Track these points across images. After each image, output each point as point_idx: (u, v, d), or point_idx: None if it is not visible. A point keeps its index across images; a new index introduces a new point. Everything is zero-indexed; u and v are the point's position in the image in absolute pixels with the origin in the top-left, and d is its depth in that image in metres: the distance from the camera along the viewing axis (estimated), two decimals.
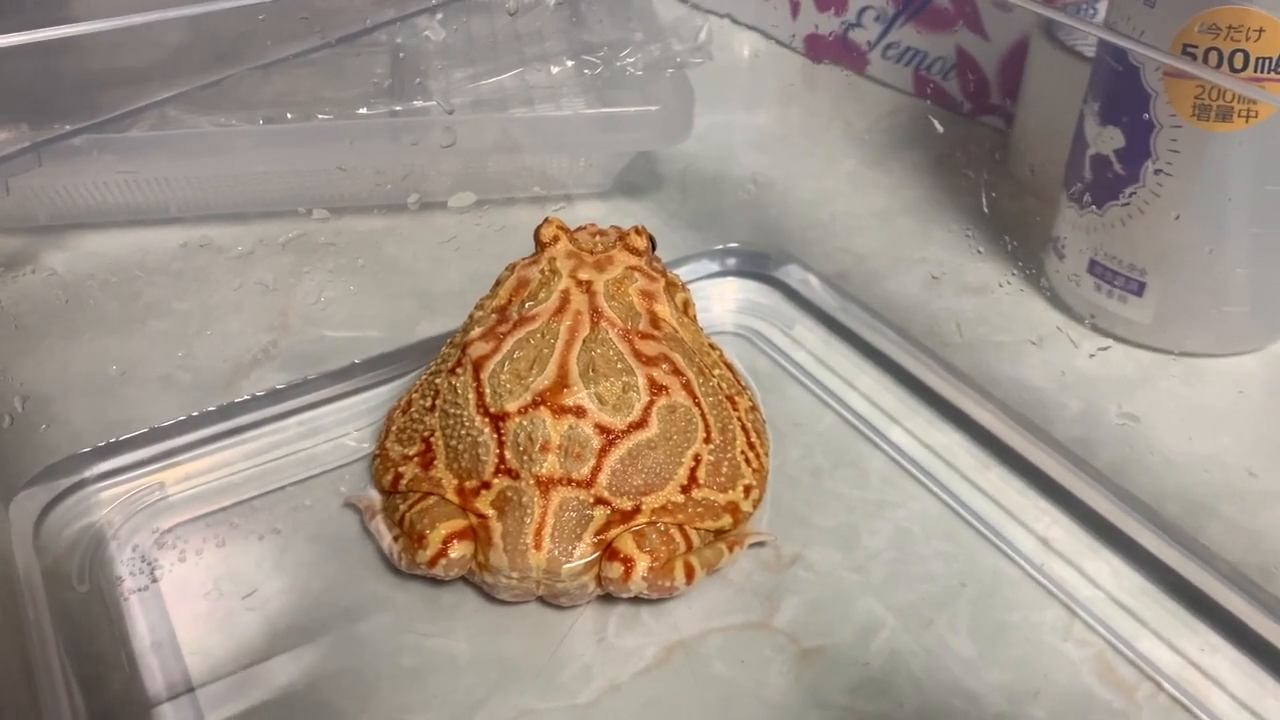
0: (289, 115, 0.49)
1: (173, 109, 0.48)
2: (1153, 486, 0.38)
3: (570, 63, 0.52)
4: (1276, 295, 0.43)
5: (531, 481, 0.34)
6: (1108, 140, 0.43)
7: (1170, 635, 0.34)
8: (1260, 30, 0.37)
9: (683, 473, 0.35)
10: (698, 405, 0.36)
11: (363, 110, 0.49)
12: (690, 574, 0.34)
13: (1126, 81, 0.41)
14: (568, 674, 0.33)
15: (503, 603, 0.34)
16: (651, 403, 0.35)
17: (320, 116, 0.49)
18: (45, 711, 0.31)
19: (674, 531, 0.34)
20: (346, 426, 0.41)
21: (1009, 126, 0.57)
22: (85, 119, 0.47)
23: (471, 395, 0.35)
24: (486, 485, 0.34)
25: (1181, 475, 0.39)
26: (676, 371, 0.36)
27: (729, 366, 0.40)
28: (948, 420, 0.42)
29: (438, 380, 0.37)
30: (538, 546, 0.33)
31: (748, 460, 0.37)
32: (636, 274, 0.38)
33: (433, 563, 0.34)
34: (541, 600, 0.35)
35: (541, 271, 0.38)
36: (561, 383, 0.34)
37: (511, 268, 0.39)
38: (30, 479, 0.38)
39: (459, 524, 0.34)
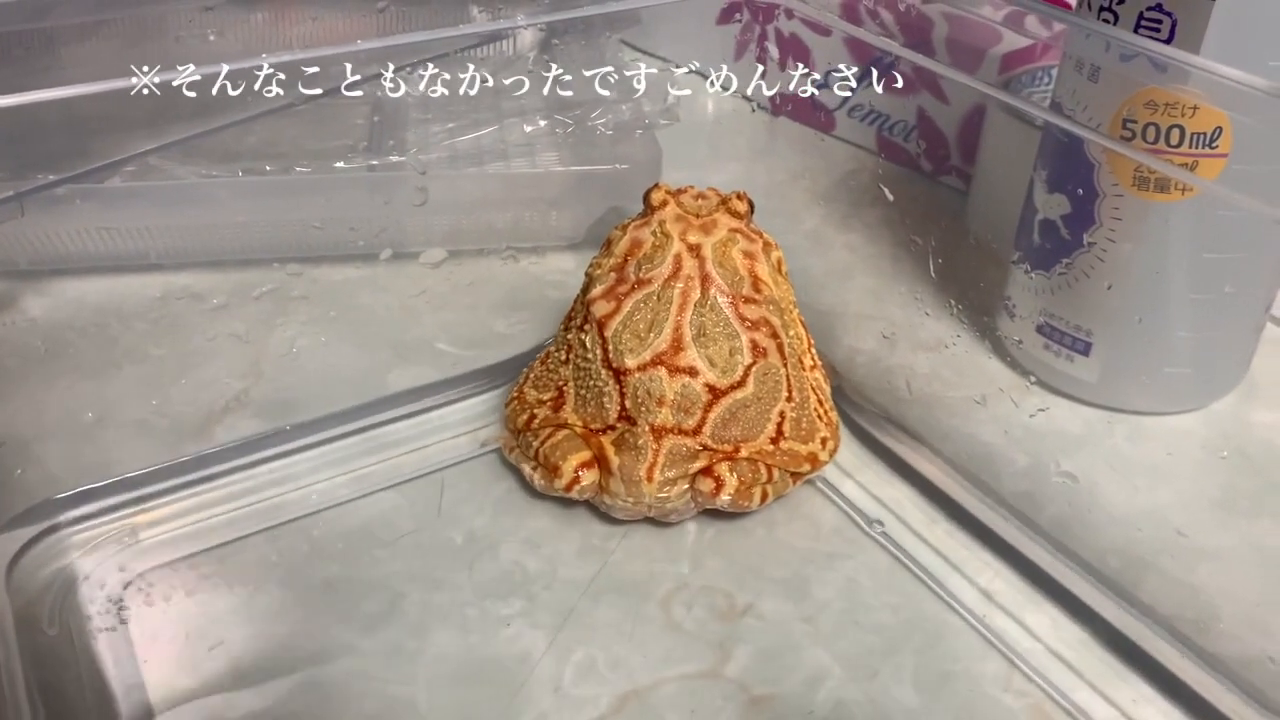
0: (268, 168, 0.50)
1: (155, 159, 0.50)
2: (1094, 541, 0.39)
3: (544, 122, 0.54)
4: (1216, 357, 0.45)
5: (647, 428, 0.39)
6: (1055, 206, 0.44)
7: (1105, 687, 0.35)
8: (1194, 108, 0.39)
9: (771, 427, 0.40)
10: (785, 366, 0.41)
11: (340, 164, 0.51)
12: (764, 498, 0.40)
13: (1071, 152, 0.43)
14: None
15: (461, 650, 0.36)
16: (752, 364, 0.40)
17: (298, 169, 0.50)
18: None
19: (762, 465, 0.40)
20: (317, 476, 0.42)
21: (967, 187, 0.59)
22: (69, 169, 0.48)
23: (598, 350, 0.40)
24: (610, 428, 0.40)
25: (1122, 530, 0.40)
26: (774, 335, 0.41)
27: (802, 324, 0.44)
28: (898, 474, 0.43)
29: (569, 335, 0.42)
30: (649, 479, 0.38)
31: (819, 416, 0.42)
32: (739, 236, 0.42)
33: (568, 488, 0.39)
34: (650, 520, 0.40)
35: (654, 234, 0.41)
36: (677, 345, 0.39)
37: (623, 228, 0.43)
38: (4, 522, 0.39)
39: (587, 454, 0.40)
